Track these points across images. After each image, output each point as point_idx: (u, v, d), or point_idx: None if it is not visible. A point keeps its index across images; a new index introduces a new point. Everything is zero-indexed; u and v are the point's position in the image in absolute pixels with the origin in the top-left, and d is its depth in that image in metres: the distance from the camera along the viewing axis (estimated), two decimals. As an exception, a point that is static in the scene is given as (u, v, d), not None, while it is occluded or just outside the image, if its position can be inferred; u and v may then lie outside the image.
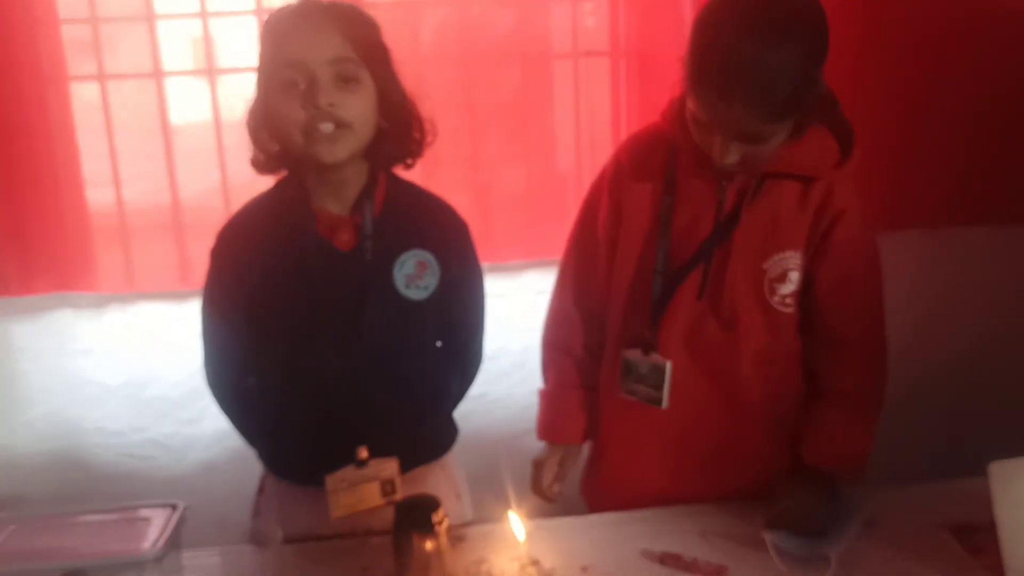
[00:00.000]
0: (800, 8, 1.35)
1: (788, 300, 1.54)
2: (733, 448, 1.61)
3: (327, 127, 1.39)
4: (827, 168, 1.50)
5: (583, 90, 2.36)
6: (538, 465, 1.72)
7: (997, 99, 2.32)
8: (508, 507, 1.51)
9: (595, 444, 1.77)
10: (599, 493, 1.76)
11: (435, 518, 1.36)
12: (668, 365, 1.57)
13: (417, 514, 1.36)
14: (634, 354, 1.61)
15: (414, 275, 1.51)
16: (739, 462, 1.61)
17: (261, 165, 1.51)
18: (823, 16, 1.36)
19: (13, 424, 2.32)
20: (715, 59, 1.35)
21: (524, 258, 2.41)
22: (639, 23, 2.29)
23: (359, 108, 1.42)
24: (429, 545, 1.36)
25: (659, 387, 1.58)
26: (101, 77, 2.21)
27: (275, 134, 1.46)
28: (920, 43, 2.27)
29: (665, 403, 1.58)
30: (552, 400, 1.75)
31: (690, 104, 1.42)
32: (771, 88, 1.33)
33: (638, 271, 1.60)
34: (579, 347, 1.72)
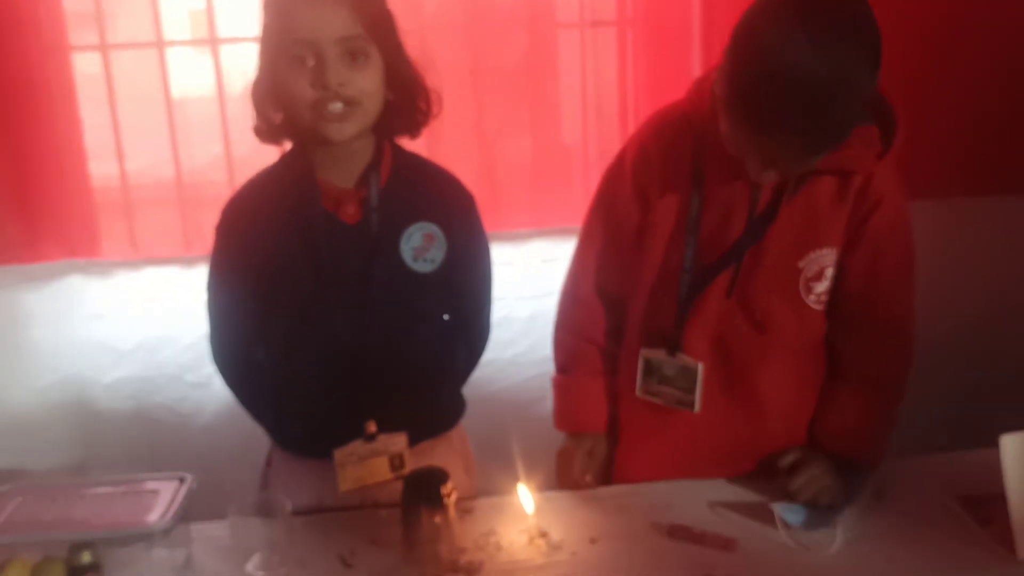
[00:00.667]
0: (854, 22, 1.20)
1: (824, 297, 1.49)
2: (753, 446, 1.58)
3: (336, 107, 1.37)
4: (870, 161, 1.41)
5: (590, 59, 2.34)
6: (565, 456, 1.65)
7: (1010, 69, 2.30)
8: (517, 478, 1.51)
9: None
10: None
11: (443, 491, 1.36)
12: (700, 367, 1.51)
13: (425, 487, 1.37)
14: (657, 354, 1.55)
15: (421, 248, 1.49)
16: (757, 458, 1.59)
17: (264, 134, 1.49)
18: (876, 24, 1.21)
19: (26, 389, 2.32)
20: (756, 90, 1.22)
21: (530, 227, 2.40)
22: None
23: (368, 85, 1.40)
24: (437, 518, 1.36)
25: (690, 390, 1.53)
26: (103, 47, 2.20)
27: (282, 107, 1.45)
28: (931, 12, 2.24)
29: (698, 407, 1.53)
30: (571, 389, 1.68)
31: (723, 124, 1.31)
32: (820, 124, 1.23)
33: (663, 267, 1.53)
34: (601, 334, 1.65)
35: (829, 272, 1.48)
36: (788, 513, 1.44)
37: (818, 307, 1.50)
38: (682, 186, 1.49)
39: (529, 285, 2.32)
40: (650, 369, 1.56)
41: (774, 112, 1.22)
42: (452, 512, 1.38)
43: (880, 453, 1.55)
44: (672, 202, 1.50)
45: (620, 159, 1.58)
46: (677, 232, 1.51)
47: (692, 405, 1.53)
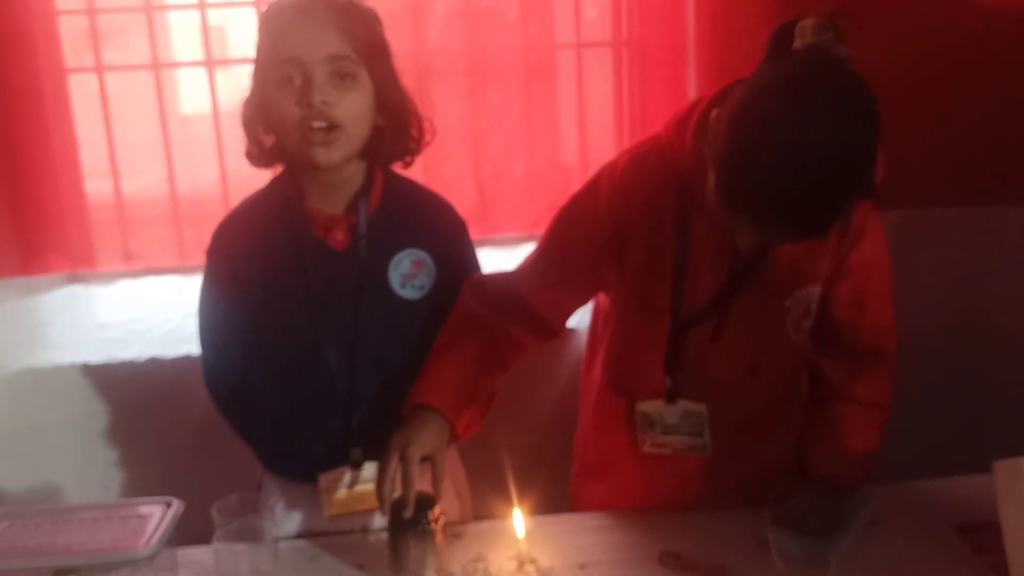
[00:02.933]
0: (855, 107, 1.15)
1: (808, 332, 1.48)
2: (746, 480, 1.55)
3: (319, 124, 1.37)
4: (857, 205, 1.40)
5: (586, 81, 2.35)
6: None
7: (993, 81, 2.29)
8: (507, 503, 1.49)
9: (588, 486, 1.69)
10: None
11: (431, 515, 1.35)
12: (703, 409, 1.48)
13: (413, 511, 1.35)
14: (654, 406, 1.50)
15: (409, 274, 1.49)
16: (745, 487, 1.55)
17: (256, 158, 1.50)
18: (875, 105, 1.16)
19: (37, 403, 2.31)
20: (752, 182, 1.16)
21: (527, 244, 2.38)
22: (642, 13, 2.27)
23: (354, 107, 1.40)
24: (425, 542, 1.35)
25: (699, 434, 1.49)
26: (99, 69, 2.20)
27: (270, 129, 1.45)
28: (907, 23, 2.24)
29: (711, 448, 1.50)
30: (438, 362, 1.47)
31: (712, 189, 1.23)
32: (818, 215, 1.18)
33: (643, 315, 1.48)
34: (498, 325, 1.51)
35: (813, 308, 1.46)
36: (782, 540, 1.43)
37: (803, 341, 1.49)
38: (665, 227, 1.43)
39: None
40: (649, 423, 1.52)
41: (769, 205, 1.17)
42: (440, 537, 1.37)
43: (865, 475, 1.54)
44: (654, 242, 1.44)
45: (593, 186, 1.51)
46: (659, 279, 1.45)
47: (704, 448, 1.51)
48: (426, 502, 1.36)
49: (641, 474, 1.57)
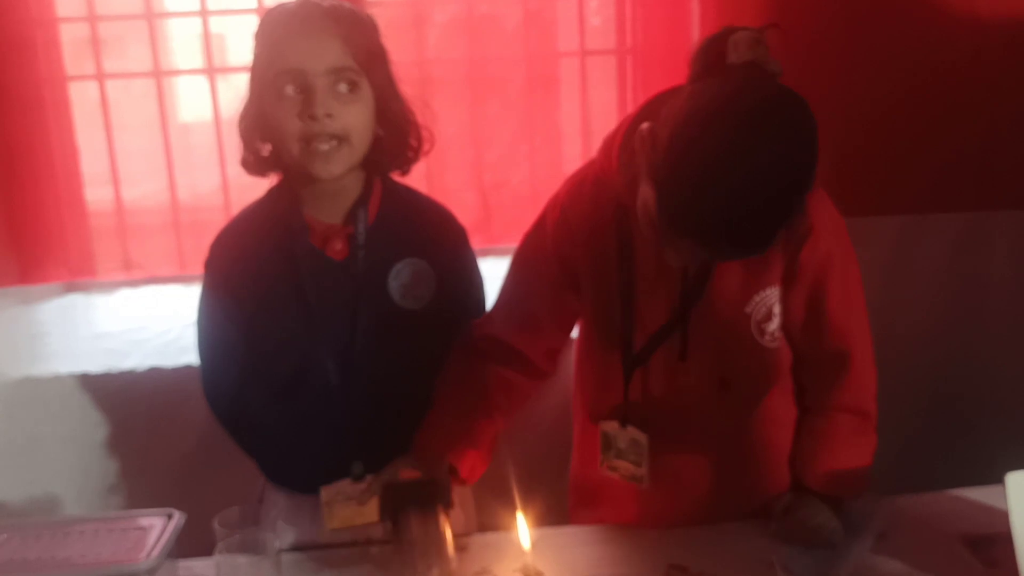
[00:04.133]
0: (792, 127, 1.14)
1: (777, 334, 1.44)
2: (731, 495, 1.53)
3: (323, 146, 1.36)
4: None
5: (589, 88, 2.34)
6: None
7: (986, 85, 2.29)
8: (512, 514, 1.48)
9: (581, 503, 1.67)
10: None
11: (440, 497, 1.34)
12: (645, 439, 1.45)
13: (412, 492, 1.33)
14: (611, 427, 1.49)
15: (409, 284, 1.48)
16: (740, 502, 1.54)
17: (252, 166, 1.49)
18: (813, 123, 1.15)
19: (36, 414, 2.30)
20: (696, 212, 1.15)
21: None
22: (645, 21, 2.27)
23: (357, 119, 1.39)
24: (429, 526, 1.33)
25: (639, 463, 1.47)
26: (100, 76, 2.20)
27: (269, 139, 1.44)
28: (902, 32, 2.24)
29: (646, 481, 1.48)
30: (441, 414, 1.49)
31: (642, 214, 1.22)
32: (761, 237, 1.17)
33: (603, 339, 1.48)
34: (492, 361, 1.52)
35: (775, 309, 1.43)
36: (789, 556, 1.41)
37: (774, 345, 1.45)
38: (608, 252, 1.43)
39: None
40: (608, 443, 1.51)
41: (716, 229, 1.15)
42: (444, 520, 1.34)
43: (863, 483, 1.50)
44: (600, 269, 1.44)
45: (541, 222, 1.51)
46: (610, 304, 1.44)
47: (641, 480, 1.48)
48: (421, 484, 1.34)
49: (635, 500, 1.54)
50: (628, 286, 1.42)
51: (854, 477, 1.50)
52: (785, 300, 1.43)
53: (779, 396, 1.51)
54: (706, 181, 1.12)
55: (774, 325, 1.44)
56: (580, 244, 1.45)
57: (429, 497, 1.34)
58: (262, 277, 1.47)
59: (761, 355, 1.45)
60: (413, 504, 1.33)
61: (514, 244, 2.31)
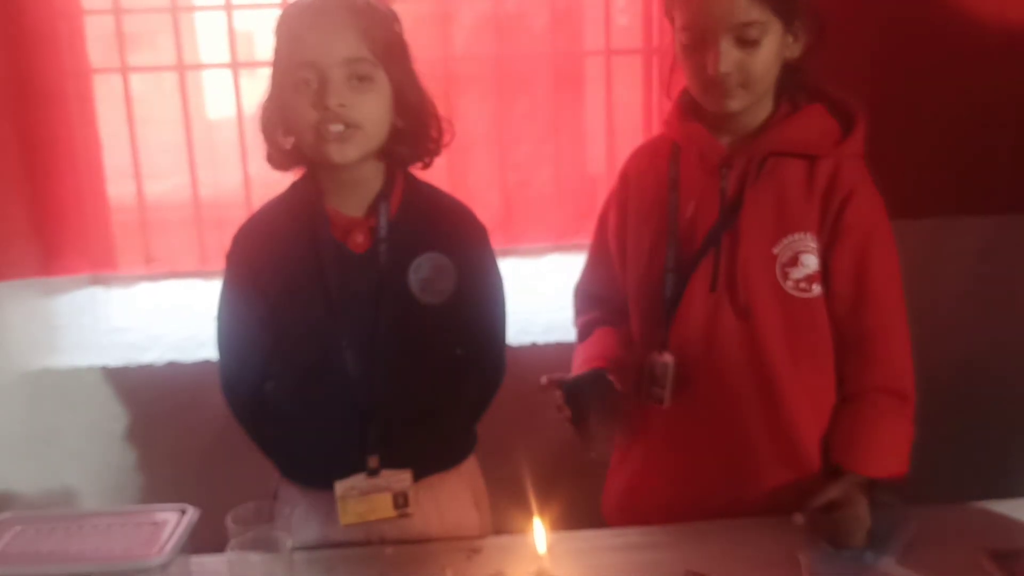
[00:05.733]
0: None
1: (803, 285, 1.48)
2: (758, 449, 1.53)
3: (336, 128, 1.36)
4: (828, 146, 1.48)
5: (615, 88, 2.33)
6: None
7: (1014, 88, 2.27)
8: (528, 517, 1.46)
9: (616, 455, 1.71)
10: (619, 511, 1.70)
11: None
12: (671, 362, 1.53)
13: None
14: (651, 356, 1.56)
15: (429, 279, 1.47)
16: (764, 465, 1.54)
17: (276, 161, 1.49)
18: None
19: (55, 406, 2.30)
20: None
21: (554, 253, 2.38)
22: (672, 21, 2.25)
23: (371, 109, 1.39)
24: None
25: (664, 385, 1.54)
26: (124, 70, 2.20)
27: (289, 131, 1.44)
28: (929, 35, 2.23)
29: (666, 401, 1.54)
30: (581, 347, 1.68)
31: (678, 35, 1.47)
32: None
33: (650, 273, 1.57)
34: (609, 309, 1.70)
35: (807, 259, 1.48)
36: (816, 560, 1.39)
37: (802, 295, 1.48)
38: (660, 191, 1.57)
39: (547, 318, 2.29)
40: (650, 372, 1.56)
41: None
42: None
43: (904, 468, 1.49)
44: (651, 207, 1.59)
45: (612, 189, 1.69)
46: (658, 235, 1.57)
47: (663, 400, 1.54)
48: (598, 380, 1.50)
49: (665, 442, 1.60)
50: (674, 212, 1.54)
51: (893, 459, 1.49)
52: (829, 260, 1.48)
53: (808, 365, 1.51)
54: None
55: (799, 274, 1.48)
56: (633, 186, 1.63)
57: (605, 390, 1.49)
58: (284, 269, 1.47)
59: (782, 299, 1.48)
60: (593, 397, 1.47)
61: (536, 243, 2.33)
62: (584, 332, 1.71)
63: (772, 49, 1.44)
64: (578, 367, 1.62)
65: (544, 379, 1.52)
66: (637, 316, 1.62)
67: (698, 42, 1.43)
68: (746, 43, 1.41)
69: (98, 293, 2.37)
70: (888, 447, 1.49)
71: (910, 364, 1.52)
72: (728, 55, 1.41)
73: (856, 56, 2.09)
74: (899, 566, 1.39)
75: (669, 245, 1.54)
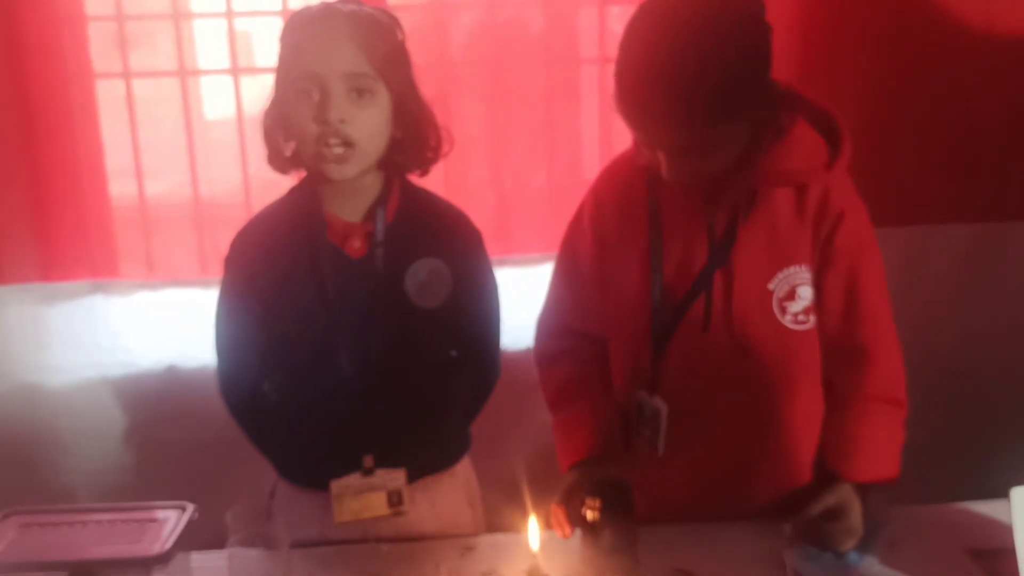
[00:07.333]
0: (723, 11, 1.28)
1: (801, 317, 1.45)
2: (755, 472, 1.53)
3: (336, 149, 1.39)
4: (817, 170, 1.41)
5: (610, 95, 2.34)
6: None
7: (999, 96, 2.30)
8: (521, 515, 1.48)
9: None
10: None
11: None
12: (664, 409, 1.48)
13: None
14: (643, 396, 1.52)
15: (426, 283, 1.49)
16: (760, 486, 1.54)
17: (276, 164, 1.51)
18: (755, 15, 1.30)
19: (55, 410, 2.32)
20: (629, 72, 1.31)
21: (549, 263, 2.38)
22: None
23: (370, 124, 1.41)
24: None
25: (658, 431, 1.49)
26: (127, 75, 2.22)
27: (291, 137, 1.47)
28: (916, 44, 2.25)
29: (661, 450, 1.50)
30: (567, 420, 1.59)
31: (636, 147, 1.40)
32: (689, 97, 1.26)
33: (635, 312, 1.51)
34: (588, 356, 1.61)
35: (803, 291, 1.44)
36: (800, 560, 1.41)
37: (800, 327, 1.45)
38: (639, 224, 1.50)
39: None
40: (640, 410, 1.53)
41: (644, 88, 1.29)
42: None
43: (895, 471, 1.50)
44: (632, 242, 1.50)
45: (580, 209, 1.60)
46: (642, 269, 1.50)
47: (657, 447, 1.51)
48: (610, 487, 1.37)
49: (658, 476, 1.54)
50: (658, 247, 1.48)
51: (888, 465, 1.50)
52: (821, 285, 1.45)
53: (805, 392, 1.50)
54: (635, 41, 1.30)
55: (797, 307, 1.45)
56: (610, 214, 1.54)
57: (619, 497, 1.36)
58: (281, 273, 1.49)
59: (780, 334, 1.45)
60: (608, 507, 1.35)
61: (531, 252, 2.34)
62: (555, 367, 1.63)
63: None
64: (567, 428, 1.57)
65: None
66: (620, 352, 1.57)
67: None
68: None
69: (98, 298, 2.37)
70: (884, 455, 1.50)
71: (903, 371, 1.52)
72: None
73: (839, 66, 2.12)
74: (882, 565, 1.41)
75: (654, 283, 1.48)
